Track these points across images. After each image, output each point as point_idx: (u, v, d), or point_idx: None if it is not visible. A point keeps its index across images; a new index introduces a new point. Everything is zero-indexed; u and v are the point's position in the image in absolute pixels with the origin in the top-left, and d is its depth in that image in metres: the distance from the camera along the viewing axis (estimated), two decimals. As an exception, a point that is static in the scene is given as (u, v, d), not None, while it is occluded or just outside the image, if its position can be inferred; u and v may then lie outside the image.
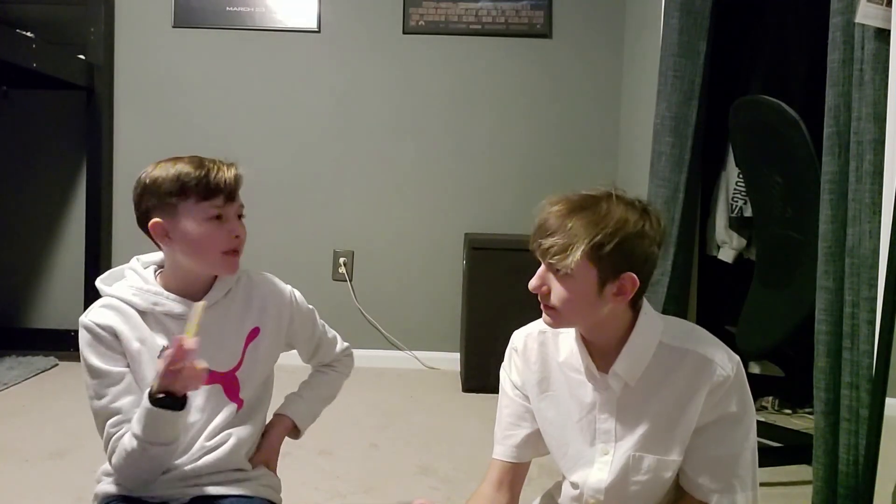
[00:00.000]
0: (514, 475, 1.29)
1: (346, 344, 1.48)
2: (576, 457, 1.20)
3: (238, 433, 1.25)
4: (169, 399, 1.10)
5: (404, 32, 3.32)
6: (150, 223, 1.18)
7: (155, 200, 1.17)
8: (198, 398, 1.21)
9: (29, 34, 2.83)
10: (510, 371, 1.30)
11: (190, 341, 1.07)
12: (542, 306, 1.15)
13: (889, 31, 1.47)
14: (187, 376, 1.08)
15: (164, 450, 1.15)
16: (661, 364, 1.14)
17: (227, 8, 3.30)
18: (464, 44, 3.33)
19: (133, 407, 1.16)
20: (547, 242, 1.08)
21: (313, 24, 3.32)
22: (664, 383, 1.13)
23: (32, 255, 3.39)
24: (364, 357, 3.32)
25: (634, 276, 1.10)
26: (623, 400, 1.16)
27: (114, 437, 1.17)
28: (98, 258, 3.23)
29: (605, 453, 1.17)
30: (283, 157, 3.35)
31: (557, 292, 1.10)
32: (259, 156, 3.31)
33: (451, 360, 3.25)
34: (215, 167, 1.19)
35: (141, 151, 3.28)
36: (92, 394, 1.18)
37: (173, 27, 3.31)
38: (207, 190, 1.17)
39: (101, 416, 1.18)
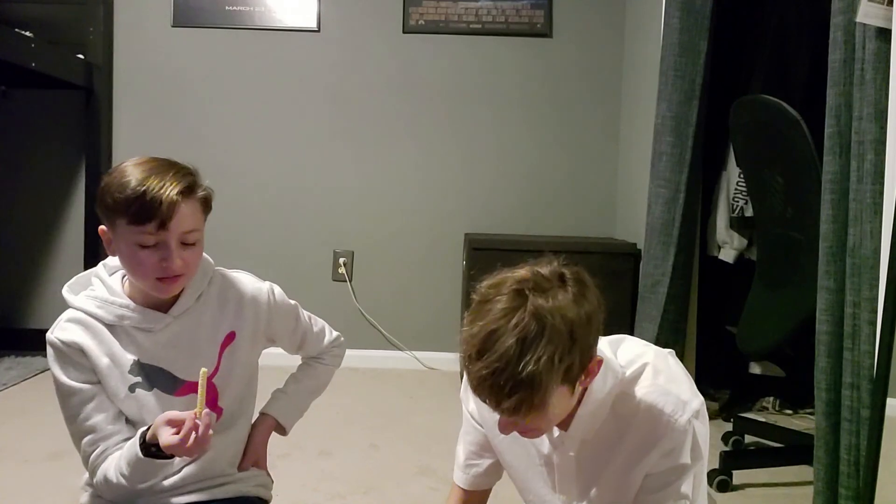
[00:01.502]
0: (478, 498, 1.28)
1: (336, 334, 1.42)
2: (538, 500, 1.17)
3: (215, 444, 1.18)
4: (161, 450, 1.06)
5: (404, 32, 3.32)
6: (100, 227, 1.12)
7: (100, 208, 1.09)
8: (175, 410, 1.13)
9: (28, 34, 2.83)
10: (468, 401, 1.22)
11: (205, 417, 1.03)
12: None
13: (890, 30, 1.46)
14: (198, 445, 1.03)
15: (149, 484, 1.15)
16: (618, 416, 1.05)
17: (227, 7, 3.30)
18: (464, 43, 3.32)
19: (107, 424, 1.14)
20: (509, 403, 0.89)
21: (313, 24, 3.31)
22: (622, 437, 1.05)
23: (32, 255, 3.38)
24: (364, 357, 3.35)
25: (598, 357, 0.98)
26: (580, 456, 1.09)
27: (92, 456, 1.14)
28: (98, 258, 3.19)
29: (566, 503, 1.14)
30: (282, 157, 3.34)
31: (536, 426, 0.98)
32: (259, 155, 3.31)
33: (451, 360, 3.24)
34: (158, 186, 1.05)
35: (140, 151, 3.23)
36: (65, 414, 1.15)
37: (173, 27, 3.31)
38: (138, 214, 1.04)
39: (76, 436, 1.15)
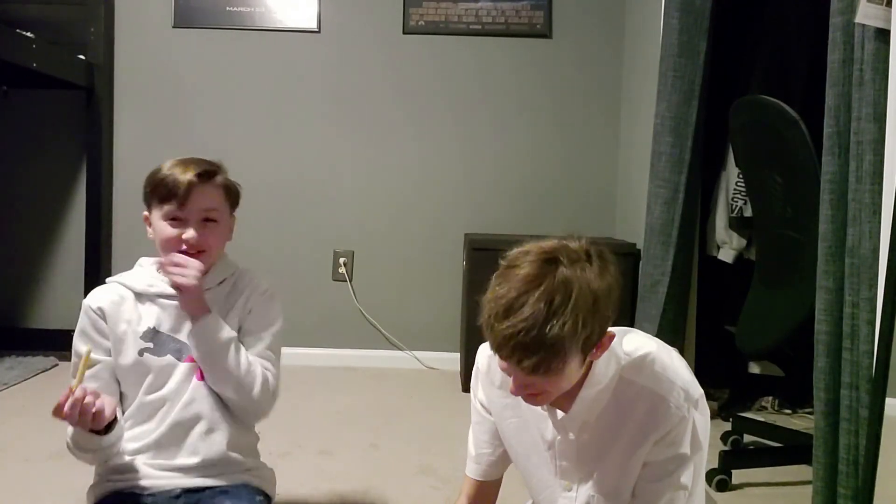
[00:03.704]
0: (491, 488, 1.30)
1: (273, 382, 1.34)
2: (541, 485, 1.19)
3: (225, 429, 1.31)
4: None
5: (404, 32, 3.32)
6: (143, 213, 1.35)
7: (143, 195, 1.33)
8: (176, 375, 1.30)
9: (29, 34, 2.83)
10: (476, 389, 1.26)
11: (78, 390, 1.14)
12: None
13: (889, 31, 1.47)
14: (85, 419, 1.15)
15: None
16: (619, 401, 1.07)
17: (227, 8, 3.30)
18: (464, 44, 3.33)
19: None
20: (529, 362, 0.93)
21: (313, 24, 3.32)
22: (623, 423, 1.08)
23: (32, 255, 3.39)
24: (364, 357, 3.35)
25: (610, 332, 1.01)
26: (581, 440, 1.11)
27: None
28: (98, 258, 3.23)
29: (568, 489, 1.15)
30: (283, 157, 3.34)
31: (547, 389, 1.01)
32: (259, 156, 3.31)
33: (451, 360, 3.25)
34: (179, 172, 1.28)
35: (141, 151, 3.28)
36: (71, 368, 1.30)
37: (173, 27, 3.31)
38: (163, 193, 1.28)
39: None
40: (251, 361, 1.31)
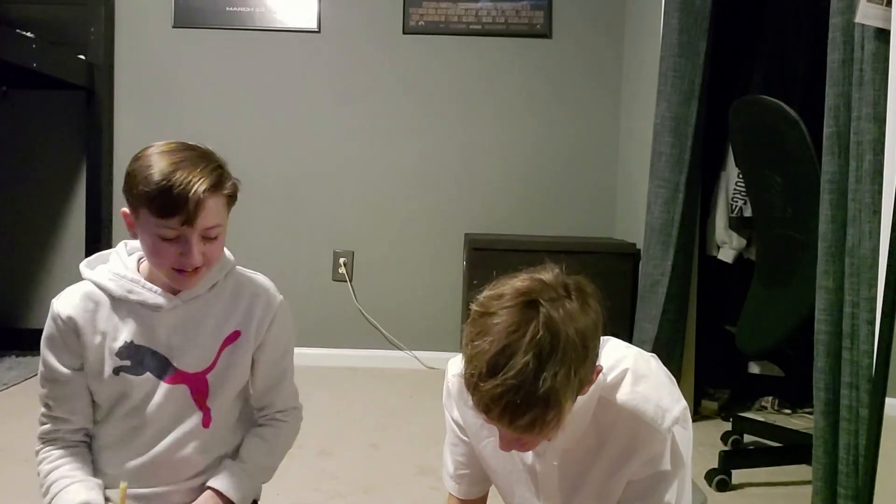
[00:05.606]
0: (477, 502, 1.27)
1: (301, 403, 1.31)
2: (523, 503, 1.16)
3: (217, 464, 1.19)
4: None
5: (404, 32, 3.32)
6: (122, 209, 1.12)
7: (125, 193, 1.09)
8: (157, 396, 1.14)
9: (29, 34, 2.83)
10: (451, 409, 1.18)
11: None
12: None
13: (889, 31, 1.47)
14: None
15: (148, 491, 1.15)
16: (599, 423, 1.03)
17: (227, 8, 3.30)
18: (464, 44, 3.33)
19: (65, 411, 1.15)
20: (523, 421, 0.86)
21: (313, 24, 3.32)
22: (603, 445, 1.04)
23: (32, 255, 3.39)
24: (364, 357, 3.36)
25: (598, 366, 0.95)
26: (562, 463, 1.07)
27: (42, 428, 1.17)
28: (98, 258, 3.22)
29: None
30: (283, 157, 3.35)
31: (538, 441, 0.96)
32: (259, 156, 3.31)
33: (451, 360, 3.24)
34: (184, 182, 1.02)
35: None
36: (40, 379, 1.17)
37: (173, 27, 3.31)
38: (162, 209, 1.03)
39: (41, 399, 1.18)
40: (279, 444, 1.26)
